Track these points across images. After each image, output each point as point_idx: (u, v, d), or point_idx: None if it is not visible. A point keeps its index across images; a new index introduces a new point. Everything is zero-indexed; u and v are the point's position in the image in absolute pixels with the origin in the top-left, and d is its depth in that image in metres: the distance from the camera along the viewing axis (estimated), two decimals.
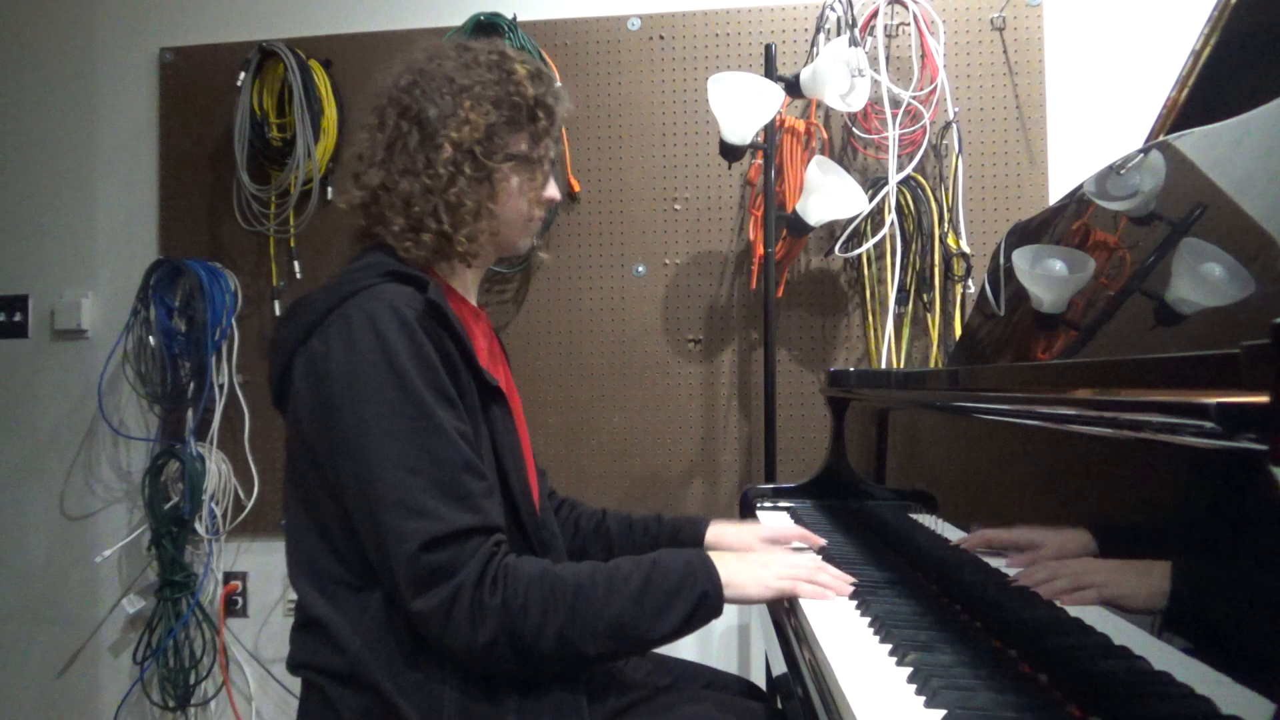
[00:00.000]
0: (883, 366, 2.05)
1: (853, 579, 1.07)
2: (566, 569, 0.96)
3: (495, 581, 0.92)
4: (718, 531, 1.33)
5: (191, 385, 2.27)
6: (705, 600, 0.97)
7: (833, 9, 2.02)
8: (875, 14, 2.05)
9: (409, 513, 0.92)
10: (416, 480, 0.93)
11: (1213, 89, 1.28)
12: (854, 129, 2.08)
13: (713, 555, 1.01)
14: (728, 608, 1.00)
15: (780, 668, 1.00)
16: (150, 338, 2.28)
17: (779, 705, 1.40)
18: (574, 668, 0.98)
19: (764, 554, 1.16)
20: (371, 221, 1.11)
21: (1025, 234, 1.43)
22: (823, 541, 1.32)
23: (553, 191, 1.17)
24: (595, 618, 0.93)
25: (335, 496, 0.98)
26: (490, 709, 0.96)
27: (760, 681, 1.84)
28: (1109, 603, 0.68)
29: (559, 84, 1.16)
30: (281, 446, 2.25)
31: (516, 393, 1.28)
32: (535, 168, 1.14)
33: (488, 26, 2.16)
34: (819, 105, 2.06)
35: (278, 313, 2.30)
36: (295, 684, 2.25)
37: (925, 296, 2.06)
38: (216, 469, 2.27)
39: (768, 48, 1.93)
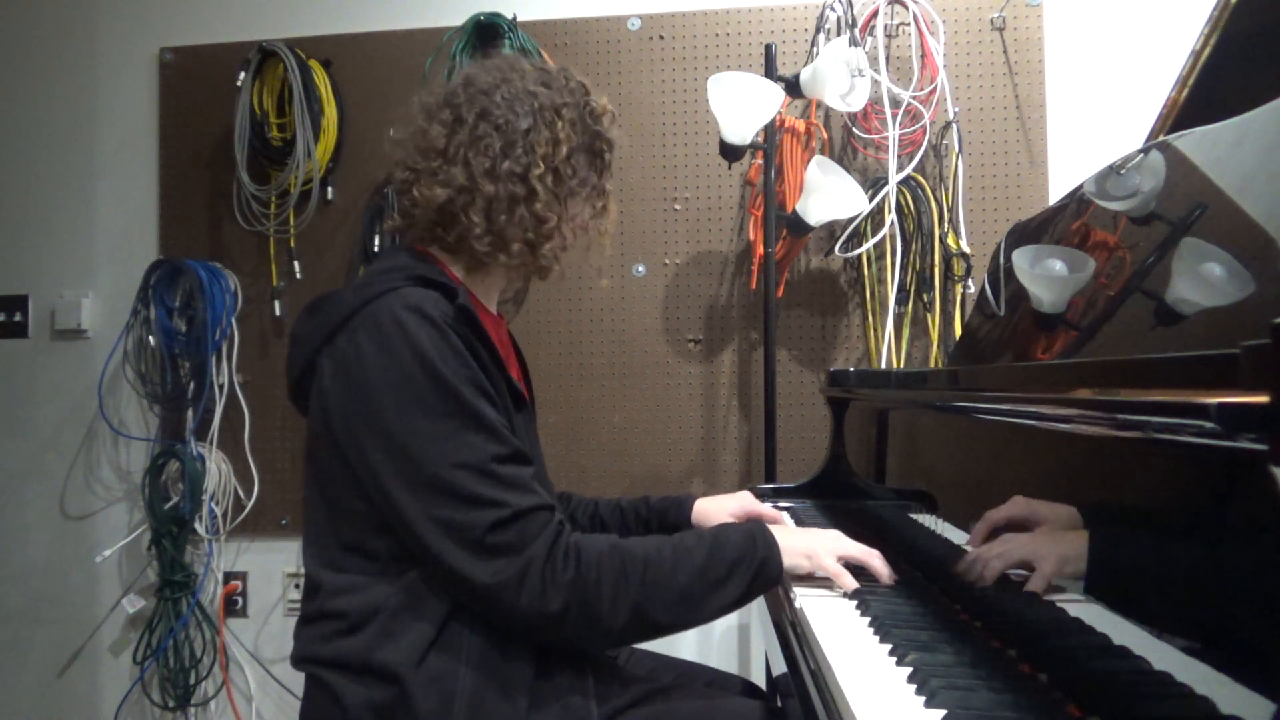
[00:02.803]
0: (883, 366, 2.05)
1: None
2: (634, 543, 1.00)
3: (566, 556, 0.95)
4: (701, 506, 1.38)
5: (191, 385, 2.27)
6: (765, 567, 1.02)
7: (833, 9, 2.02)
8: (875, 14, 2.05)
9: (469, 505, 0.94)
10: (469, 475, 0.94)
11: (1213, 89, 1.28)
12: (854, 129, 2.08)
13: (773, 528, 1.06)
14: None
15: (780, 668, 1.00)
16: (150, 338, 2.28)
17: (779, 705, 1.40)
18: (644, 636, 1.01)
19: (825, 531, 1.16)
20: (444, 220, 1.09)
21: (1025, 234, 1.43)
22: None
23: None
24: (664, 589, 0.96)
25: (361, 492, 0.99)
26: (501, 701, 0.96)
27: (760, 681, 1.84)
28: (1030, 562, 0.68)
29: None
30: (282, 446, 2.31)
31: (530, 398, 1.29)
32: (601, 199, 1.17)
33: (488, 27, 2.15)
34: (819, 105, 2.06)
35: (278, 313, 2.30)
36: (295, 684, 2.25)
37: (925, 296, 2.06)
38: (216, 469, 2.27)
39: (768, 48, 1.93)
